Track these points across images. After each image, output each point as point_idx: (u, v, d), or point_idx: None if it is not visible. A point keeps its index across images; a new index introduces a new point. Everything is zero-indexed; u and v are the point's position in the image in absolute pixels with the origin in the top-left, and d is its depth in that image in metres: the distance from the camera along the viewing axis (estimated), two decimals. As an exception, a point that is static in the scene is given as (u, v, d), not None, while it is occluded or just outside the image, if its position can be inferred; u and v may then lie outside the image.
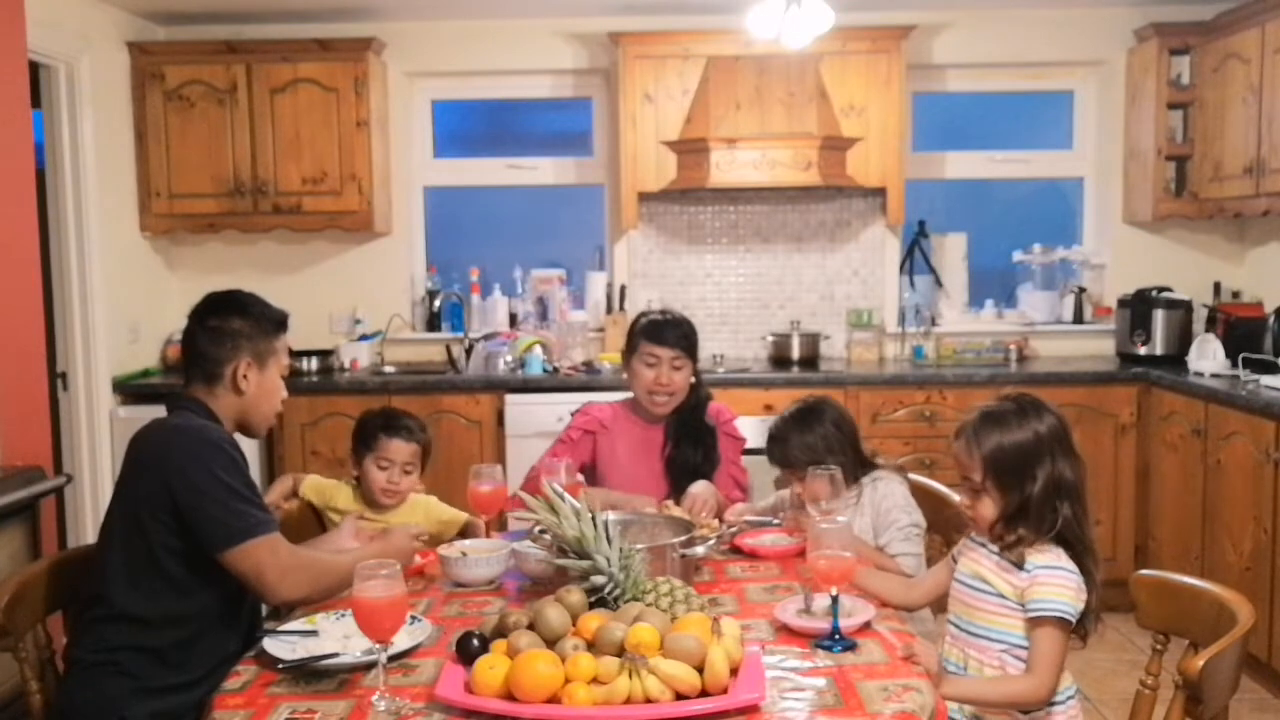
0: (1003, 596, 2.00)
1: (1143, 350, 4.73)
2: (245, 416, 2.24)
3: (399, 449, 2.66)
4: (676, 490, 2.84)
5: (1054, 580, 1.94)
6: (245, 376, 2.20)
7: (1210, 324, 4.65)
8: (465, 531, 2.70)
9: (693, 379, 2.91)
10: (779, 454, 2.60)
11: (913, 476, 2.74)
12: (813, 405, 2.63)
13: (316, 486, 2.75)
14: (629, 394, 3.02)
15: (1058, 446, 2.00)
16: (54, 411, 3.91)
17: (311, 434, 4.50)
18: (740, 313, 5.14)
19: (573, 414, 3.08)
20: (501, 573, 2.30)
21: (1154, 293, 4.75)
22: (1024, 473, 1.99)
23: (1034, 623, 1.94)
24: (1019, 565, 1.97)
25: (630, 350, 2.95)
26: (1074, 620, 1.93)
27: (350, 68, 4.68)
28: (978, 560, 2.06)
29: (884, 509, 2.52)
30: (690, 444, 2.91)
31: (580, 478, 2.66)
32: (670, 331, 2.89)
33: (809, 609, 2.01)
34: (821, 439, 2.53)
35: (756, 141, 4.52)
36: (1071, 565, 1.96)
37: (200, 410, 2.18)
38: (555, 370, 4.68)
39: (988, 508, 2.02)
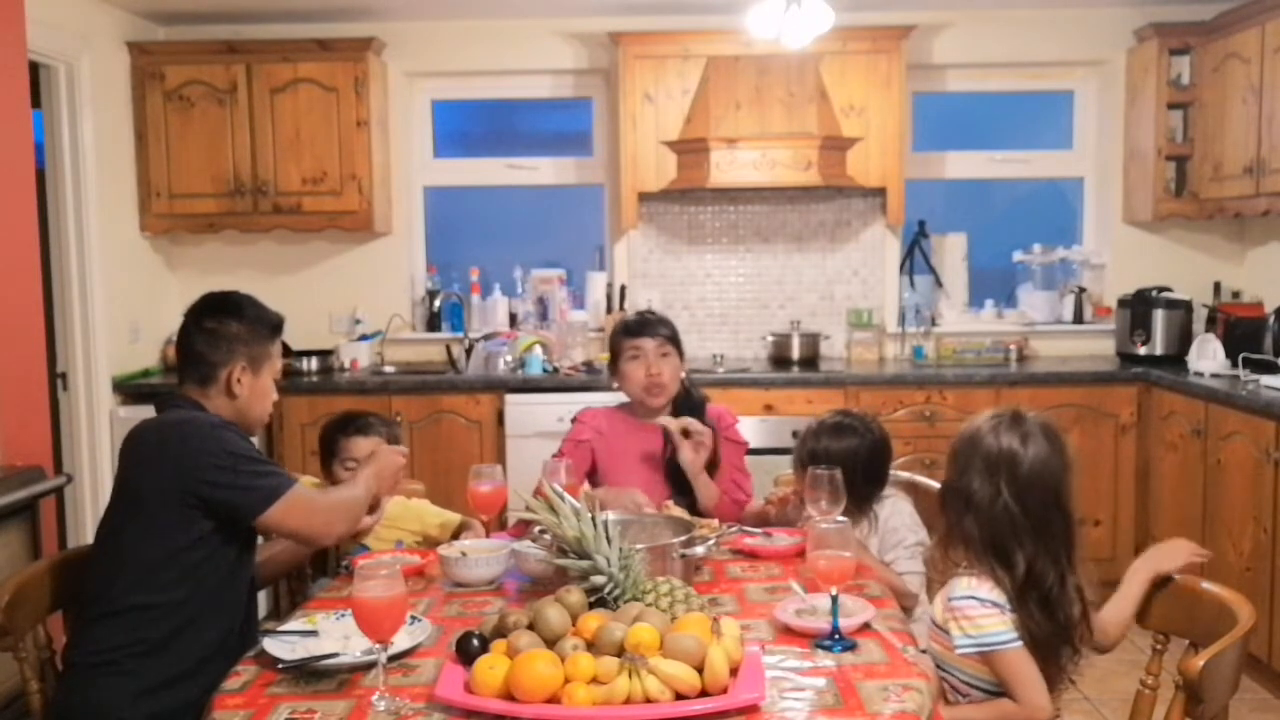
0: (933, 623, 2.01)
1: (1143, 350, 4.73)
2: (237, 418, 2.24)
3: (360, 445, 2.68)
4: (678, 491, 2.83)
5: (970, 612, 1.94)
6: (239, 380, 2.21)
7: (1210, 324, 4.65)
8: (460, 532, 2.69)
9: (681, 374, 2.91)
10: (802, 451, 2.59)
11: (916, 478, 2.74)
12: (854, 424, 2.60)
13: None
14: (624, 399, 3.03)
15: (986, 467, 1.98)
16: (54, 411, 3.91)
17: (311, 434, 4.46)
18: (740, 313, 5.14)
19: (572, 420, 3.08)
20: (501, 573, 2.29)
21: (1154, 293, 4.75)
22: (956, 469, 2.03)
23: (984, 658, 1.94)
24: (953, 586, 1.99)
25: (615, 354, 2.97)
26: (1016, 638, 1.92)
27: (350, 68, 4.68)
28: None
29: (891, 526, 2.53)
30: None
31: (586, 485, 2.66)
32: (650, 324, 2.93)
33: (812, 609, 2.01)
34: (849, 453, 2.50)
35: (756, 141, 4.52)
36: (989, 595, 1.94)
37: (194, 410, 2.19)
38: (555, 370, 4.68)
39: None
